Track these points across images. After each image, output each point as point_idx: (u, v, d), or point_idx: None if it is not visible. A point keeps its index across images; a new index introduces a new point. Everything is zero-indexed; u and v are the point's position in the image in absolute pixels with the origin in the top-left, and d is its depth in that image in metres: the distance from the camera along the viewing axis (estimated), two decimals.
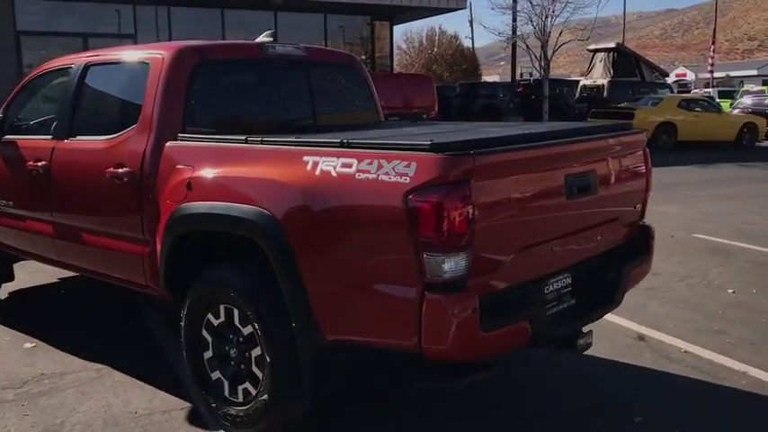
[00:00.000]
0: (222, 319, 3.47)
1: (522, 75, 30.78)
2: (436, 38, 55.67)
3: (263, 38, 4.40)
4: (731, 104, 27.68)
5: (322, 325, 3.02)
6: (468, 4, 22.29)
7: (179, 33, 20.85)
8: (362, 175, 2.84)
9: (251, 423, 3.37)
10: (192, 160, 3.57)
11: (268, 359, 3.21)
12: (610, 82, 22.96)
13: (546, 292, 3.26)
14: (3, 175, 4.90)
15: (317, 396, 3.25)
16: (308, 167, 3.03)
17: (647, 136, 4.02)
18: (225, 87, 4.12)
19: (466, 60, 54.08)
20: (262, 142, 3.33)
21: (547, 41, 18.58)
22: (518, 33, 19.78)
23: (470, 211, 2.67)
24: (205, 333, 3.56)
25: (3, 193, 4.92)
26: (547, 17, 18.07)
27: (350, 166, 2.89)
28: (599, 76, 23.76)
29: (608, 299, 3.54)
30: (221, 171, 3.42)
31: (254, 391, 3.36)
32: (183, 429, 3.59)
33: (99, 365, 4.37)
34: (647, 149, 3.85)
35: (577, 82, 26.06)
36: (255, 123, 4.16)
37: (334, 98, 4.71)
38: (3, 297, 5.79)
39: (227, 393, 3.51)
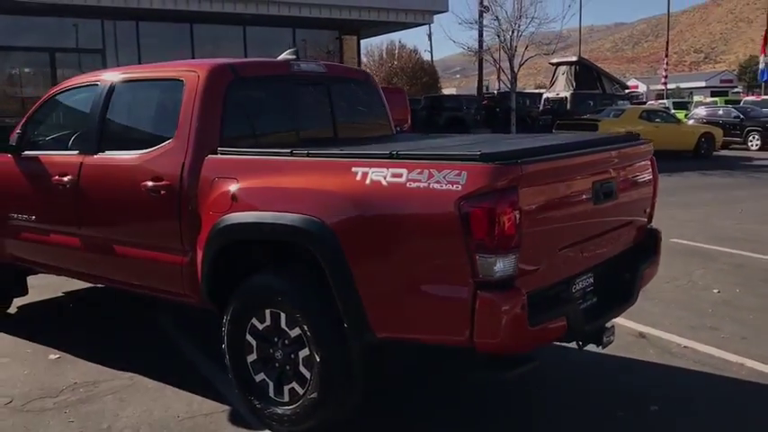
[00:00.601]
0: (268, 323, 3.64)
1: (486, 87, 31.42)
2: (396, 51, 56.21)
3: (286, 55, 4.59)
4: (686, 115, 28.61)
5: (373, 324, 3.23)
6: (434, 19, 22.67)
7: (147, 48, 20.82)
8: (413, 184, 3.07)
9: (299, 421, 3.55)
10: (235, 172, 3.74)
11: (318, 359, 3.40)
12: (572, 94, 23.63)
13: (573, 291, 3.52)
14: (24, 190, 4.99)
15: (367, 391, 3.46)
16: (358, 177, 3.25)
17: None
18: (256, 102, 4.31)
19: (426, 73, 54.68)
20: (308, 155, 3.54)
21: (513, 55, 19.08)
22: (485, 48, 20.27)
23: (518, 215, 2.93)
24: (249, 337, 3.73)
25: (23, 207, 5.01)
26: (513, 32, 18.58)
27: (400, 175, 3.12)
28: (562, 89, 24.42)
29: (626, 297, 3.83)
30: (267, 182, 3.61)
31: (301, 391, 3.54)
32: (228, 430, 3.74)
33: (129, 374, 4.49)
34: (654, 158, 4.17)
35: (539, 94, 26.71)
36: (283, 136, 4.38)
37: (352, 112, 4.94)
38: (12, 311, 5.84)
39: (272, 394, 3.68)
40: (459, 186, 2.94)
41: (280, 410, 3.63)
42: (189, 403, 4.06)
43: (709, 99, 35.56)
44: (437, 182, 3.00)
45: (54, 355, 4.87)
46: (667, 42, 43.88)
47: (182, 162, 3.94)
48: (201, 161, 3.89)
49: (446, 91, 62.04)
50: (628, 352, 4.69)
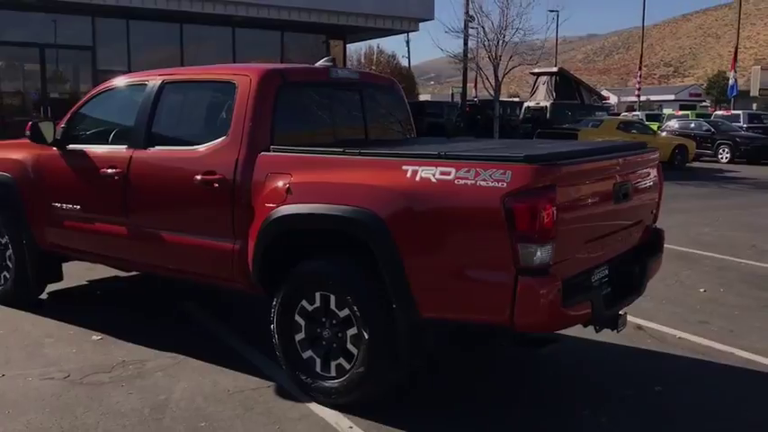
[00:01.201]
0: (317, 304, 4.02)
1: (452, 95, 31.85)
2: (374, 57, 56.77)
3: (323, 62, 4.98)
4: (659, 127, 29.49)
5: (420, 305, 3.63)
6: (419, 26, 23.14)
7: (137, 46, 21.01)
8: (461, 181, 3.48)
9: (345, 393, 3.93)
10: (289, 168, 4.12)
11: (366, 336, 3.79)
12: (552, 104, 24.29)
13: (593, 280, 3.96)
14: (69, 181, 5.31)
15: (412, 365, 3.86)
16: (408, 174, 3.65)
17: None
18: (300, 105, 4.69)
19: (404, 79, 55.26)
20: (360, 153, 3.94)
21: (498, 64, 19.63)
22: (470, 56, 20.80)
23: (555, 210, 3.36)
24: (298, 318, 4.11)
25: (67, 198, 5.32)
26: (499, 42, 19.12)
27: (448, 173, 3.53)
28: (542, 99, 25.08)
29: (636, 288, 4.28)
30: (320, 178, 3.99)
31: (348, 366, 3.93)
32: (277, 402, 4.11)
33: (171, 353, 4.83)
34: (660, 164, 4.64)
35: (518, 103, 27.33)
36: (322, 136, 4.77)
37: (380, 115, 5.34)
38: (43, 297, 6.12)
39: (319, 369, 4.06)
40: (505, 184, 3.35)
41: (327, 384, 4.01)
42: (235, 379, 4.41)
43: (681, 112, 36.58)
44: (483, 179, 3.42)
45: (96, 336, 5.18)
46: (641, 56, 45.00)
47: (235, 158, 4.31)
48: (254, 158, 4.26)
49: (421, 97, 62.70)
50: (629, 342, 5.14)
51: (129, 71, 20.73)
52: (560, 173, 3.40)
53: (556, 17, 38.14)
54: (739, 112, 31.55)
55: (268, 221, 4.09)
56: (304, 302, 4.08)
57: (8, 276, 5.88)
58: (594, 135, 20.14)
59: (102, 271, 6.53)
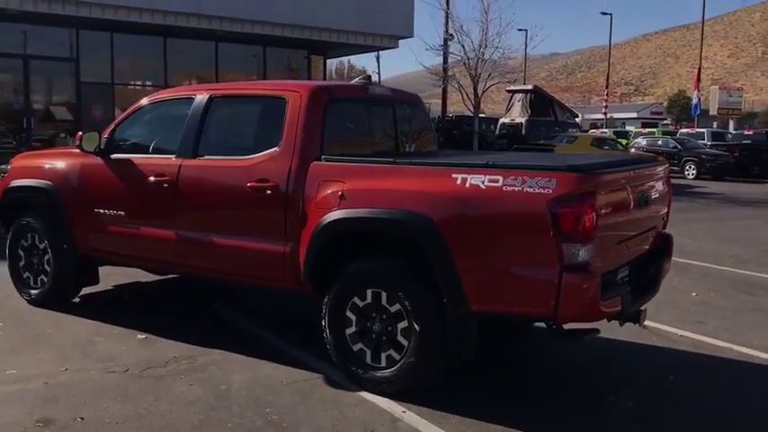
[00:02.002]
0: (368, 300, 4.39)
1: (429, 110, 32.45)
2: (345, 71, 57.41)
3: (359, 80, 5.39)
4: (626, 144, 30.43)
5: (470, 299, 4.03)
6: (399, 44, 23.69)
7: (121, 59, 21.19)
8: (509, 188, 3.90)
9: (395, 382, 4.30)
10: (341, 176, 4.50)
11: (417, 329, 4.17)
12: (527, 121, 25.02)
13: (618, 279, 4.41)
14: (113, 188, 5.60)
15: (459, 355, 4.26)
16: (458, 182, 4.06)
17: None
18: (343, 119, 5.08)
19: None
20: (410, 163, 4.34)
21: (478, 81, 20.25)
22: (450, 73, 21.44)
23: (595, 214, 3.80)
24: (349, 313, 4.47)
25: (111, 204, 5.61)
26: (479, 60, 19.75)
27: (496, 181, 3.95)
28: (517, 115, 25.81)
29: (652, 287, 4.74)
30: (373, 185, 4.38)
31: (398, 357, 4.30)
32: (330, 391, 4.46)
33: (218, 350, 5.14)
34: (669, 177, 5.13)
35: (493, 119, 28.02)
36: (362, 147, 5.16)
37: (409, 128, 5.76)
38: (75, 300, 6.37)
39: (369, 361, 4.42)
40: (550, 190, 3.79)
41: (377, 374, 4.38)
42: (286, 372, 4.75)
43: (647, 130, 37.69)
44: (530, 186, 3.84)
45: (141, 335, 5.47)
46: (608, 75, 46.22)
47: (288, 167, 4.68)
48: (307, 167, 4.64)
49: None
50: (637, 338, 5.58)
51: (112, 84, 21.00)
52: (599, 181, 3.85)
53: (525, 36, 39.22)
54: (704, 130, 32.74)
55: (323, 225, 4.46)
56: (355, 299, 4.45)
57: (45, 280, 6.14)
58: (570, 150, 20.82)
59: (121, 276, 6.83)
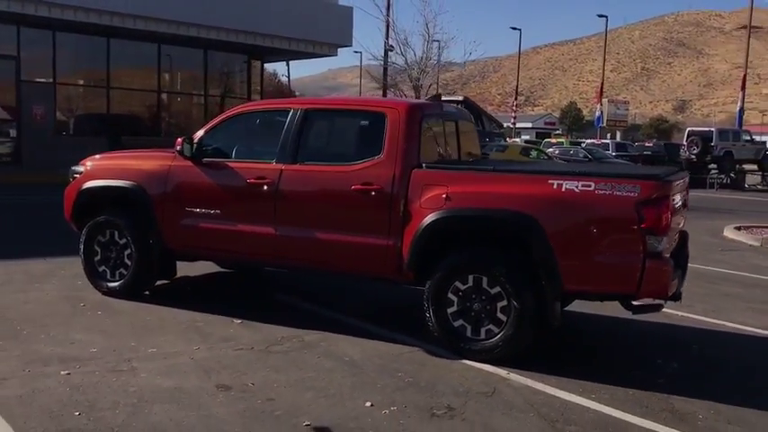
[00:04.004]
0: (470, 284, 5.30)
1: None
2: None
3: (428, 99, 6.27)
4: (538, 154, 32.47)
5: (564, 281, 5.02)
6: (337, 52, 24.54)
7: (63, 58, 20.97)
8: (600, 192, 4.93)
9: (493, 351, 5.23)
10: (444, 181, 5.39)
11: (516, 306, 5.11)
12: None
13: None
14: (209, 189, 6.23)
15: (551, 326, 5.23)
16: (554, 187, 5.05)
17: None
18: (431, 131, 5.95)
19: (285, 97, 56.62)
20: (510, 171, 5.29)
21: (420, 90, 21.43)
22: (393, 82, 22.54)
23: (670, 213, 4.88)
24: (451, 295, 5.36)
25: (205, 203, 6.23)
26: (422, 72, 20.93)
27: (589, 186, 4.97)
28: None
29: (684, 272, 5.88)
30: (476, 188, 5.30)
31: (497, 330, 5.23)
32: (436, 360, 5.31)
33: (315, 331, 5.87)
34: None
35: None
36: (439, 155, 6.05)
37: (466, 139, 6.69)
38: (146, 293, 6.89)
39: (469, 335, 5.33)
40: (636, 194, 4.84)
41: (477, 346, 5.29)
42: (388, 347, 5.57)
43: (555, 140, 40.11)
44: (618, 191, 4.88)
45: (237, 320, 6.12)
46: (517, 86, 48.56)
47: (392, 173, 5.52)
48: (409, 173, 5.50)
49: None
50: (650, 319, 6.65)
51: (54, 82, 20.73)
52: (670, 186, 4.94)
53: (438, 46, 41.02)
54: (608, 141, 35.31)
55: (429, 222, 5.32)
56: (457, 283, 5.34)
57: (125, 273, 6.65)
58: (502, 157, 22.34)
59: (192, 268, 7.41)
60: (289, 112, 6.09)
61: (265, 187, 5.95)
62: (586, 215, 4.99)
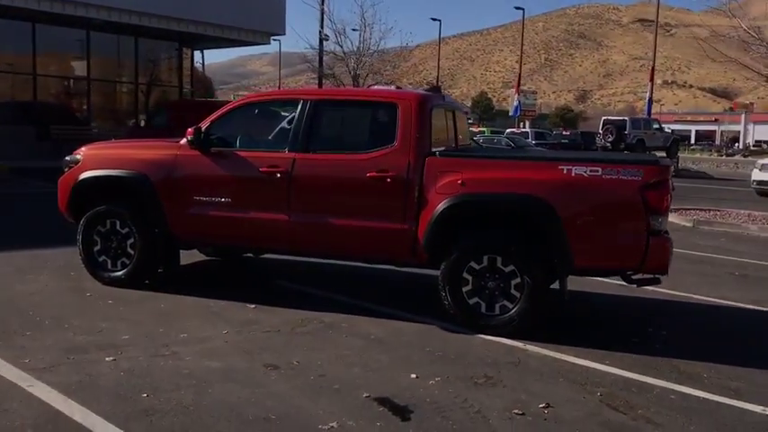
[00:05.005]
0: (484, 264, 5.68)
1: None
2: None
3: (429, 89, 6.60)
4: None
5: (576, 258, 5.47)
6: (270, 40, 24.47)
7: None
8: (607, 176, 5.40)
9: (504, 325, 5.63)
10: (458, 168, 5.75)
11: (530, 282, 5.54)
12: None
13: None
14: (218, 178, 6.35)
15: (562, 300, 5.68)
16: (564, 172, 5.49)
17: None
18: (437, 121, 6.28)
19: (201, 84, 55.93)
20: (521, 157, 5.69)
21: (357, 80, 21.68)
22: (331, 71, 22.73)
23: (669, 195, 5.41)
24: (466, 275, 5.73)
25: (215, 192, 6.35)
26: (359, 61, 21.21)
27: (597, 171, 5.43)
28: None
29: None
30: (491, 174, 5.68)
31: (511, 306, 5.64)
32: (452, 336, 5.66)
33: (330, 313, 6.10)
34: None
35: None
36: (440, 143, 6.39)
37: (460, 128, 7.06)
38: (148, 283, 6.94)
39: (484, 311, 5.72)
40: (640, 178, 5.34)
41: (492, 321, 5.68)
42: (406, 325, 5.88)
43: (477, 129, 41.18)
44: (624, 175, 5.37)
45: (250, 305, 6.28)
46: (438, 78, 49.34)
47: (407, 161, 5.83)
48: (423, 160, 5.82)
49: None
50: (641, 294, 7.13)
51: None
52: (669, 171, 5.47)
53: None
54: (528, 130, 36.59)
55: (447, 206, 5.66)
56: (472, 263, 5.71)
57: (127, 262, 6.69)
58: None
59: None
60: (299, 102, 6.28)
61: (278, 175, 6.13)
62: (595, 198, 5.46)
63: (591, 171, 5.45)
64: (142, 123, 20.34)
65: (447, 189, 5.71)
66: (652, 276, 5.73)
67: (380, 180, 5.86)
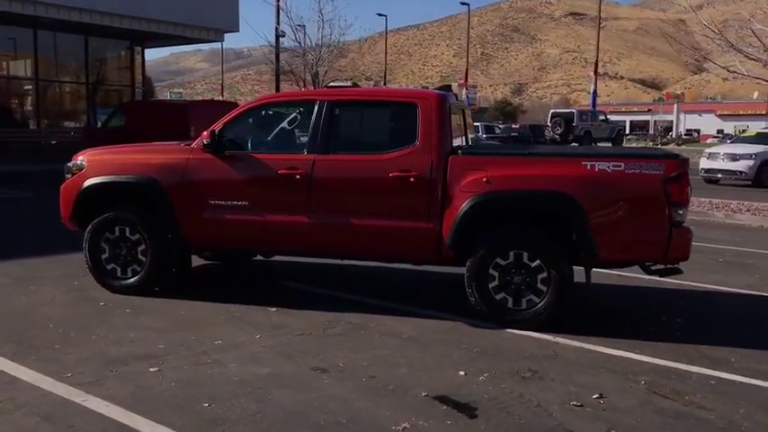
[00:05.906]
0: (510, 260, 5.77)
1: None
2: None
3: (439, 90, 6.66)
4: None
5: (600, 250, 5.62)
6: (224, 37, 24.11)
7: None
8: (630, 171, 5.57)
9: (529, 319, 5.74)
10: (483, 166, 5.82)
11: (556, 276, 5.66)
12: None
13: None
14: (234, 181, 6.26)
15: (587, 292, 5.82)
16: (588, 167, 5.63)
17: None
18: (453, 120, 6.34)
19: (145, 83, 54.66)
20: (545, 154, 5.80)
21: (317, 76, 21.59)
22: (290, 68, 22.55)
23: (689, 188, 5.61)
24: (492, 271, 5.81)
25: (231, 196, 6.26)
26: (318, 58, 21.10)
27: (620, 166, 5.59)
28: None
29: None
30: (516, 171, 5.77)
31: (537, 300, 5.75)
32: (482, 331, 5.73)
33: (351, 314, 6.11)
34: None
35: None
36: (456, 141, 6.47)
37: (467, 125, 7.13)
38: (154, 289, 6.80)
39: (510, 306, 5.82)
40: (662, 172, 5.52)
41: (519, 316, 5.79)
42: (433, 322, 5.93)
43: None
44: (646, 170, 5.54)
45: (272, 308, 6.23)
46: (385, 73, 49.38)
47: (430, 160, 5.88)
48: (446, 159, 5.87)
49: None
50: (650, 284, 7.39)
51: None
52: (688, 164, 5.66)
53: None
54: (477, 123, 37.01)
55: (473, 204, 5.73)
56: (498, 259, 5.80)
57: (138, 269, 6.54)
58: None
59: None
60: (315, 103, 6.25)
61: (298, 177, 6.09)
62: (619, 192, 5.61)
63: (614, 166, 5.60)
64: (98, 124, 19.78)
65: (472, 187, 5.78)
66: (673, 267, 5.92)
67: (404, 180, 5.88)
